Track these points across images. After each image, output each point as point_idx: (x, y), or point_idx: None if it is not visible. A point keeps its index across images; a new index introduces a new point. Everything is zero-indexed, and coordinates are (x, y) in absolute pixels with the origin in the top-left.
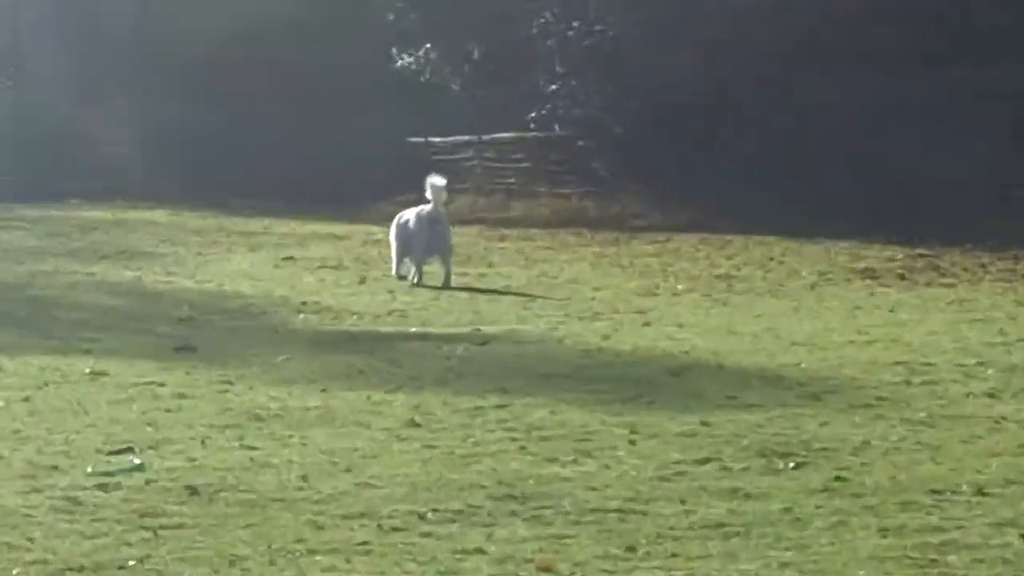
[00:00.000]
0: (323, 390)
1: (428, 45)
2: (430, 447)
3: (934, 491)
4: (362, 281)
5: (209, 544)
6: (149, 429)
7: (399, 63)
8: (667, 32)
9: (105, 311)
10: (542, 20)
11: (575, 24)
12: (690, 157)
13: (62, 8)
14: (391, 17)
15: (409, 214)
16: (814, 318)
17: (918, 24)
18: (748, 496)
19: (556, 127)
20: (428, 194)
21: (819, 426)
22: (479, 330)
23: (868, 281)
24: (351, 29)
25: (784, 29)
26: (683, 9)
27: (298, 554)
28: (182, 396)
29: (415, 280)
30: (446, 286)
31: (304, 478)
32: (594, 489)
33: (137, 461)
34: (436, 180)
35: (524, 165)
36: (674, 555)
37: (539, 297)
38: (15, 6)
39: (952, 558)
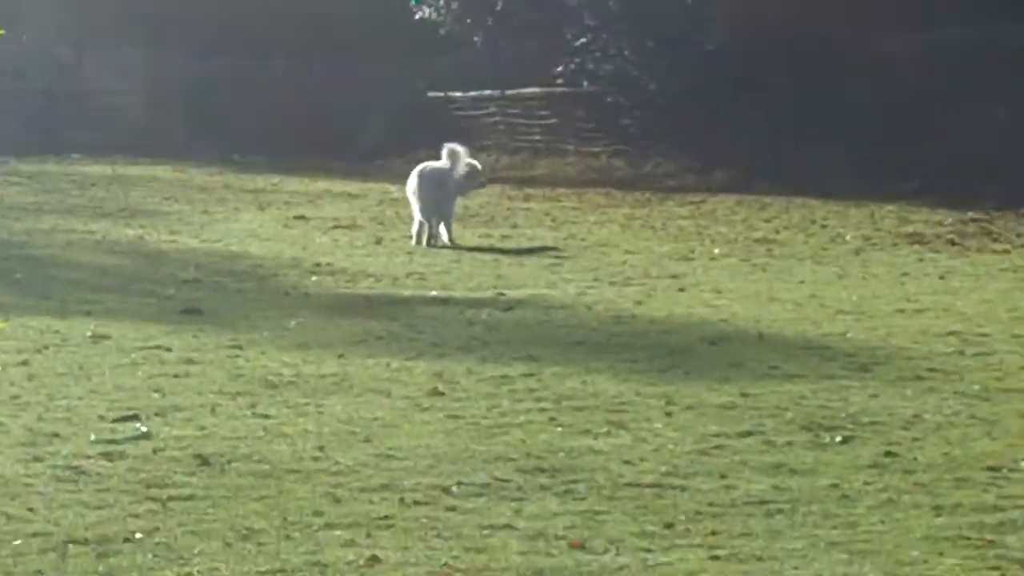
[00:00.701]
0: (339, 356)
1: None
2: (454, 417)
3: (990, 468)
4: (378, 242)
5: (220, 517)
6: (155, 395)
7: (419, 15)
8: None
9: (106, 271)
10: None
11: None
12: (726, 115)
13: None
14: None
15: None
16: (860, 285)
17: None
18: (793, 471)
19: (584, 83)
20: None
21: (867, 399)
22: (503, 295)
23: (916, 247)
24: None
25: None
26: None
27: (315, 528)
28: (190, 361)
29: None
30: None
31: (321, 448)
32: (629, 463)
33: (143, 429)
34: (455, 148)
35: (550, 122)
36: (714, 533)
37: (567, 260)
38: None
39: (1010, 538)
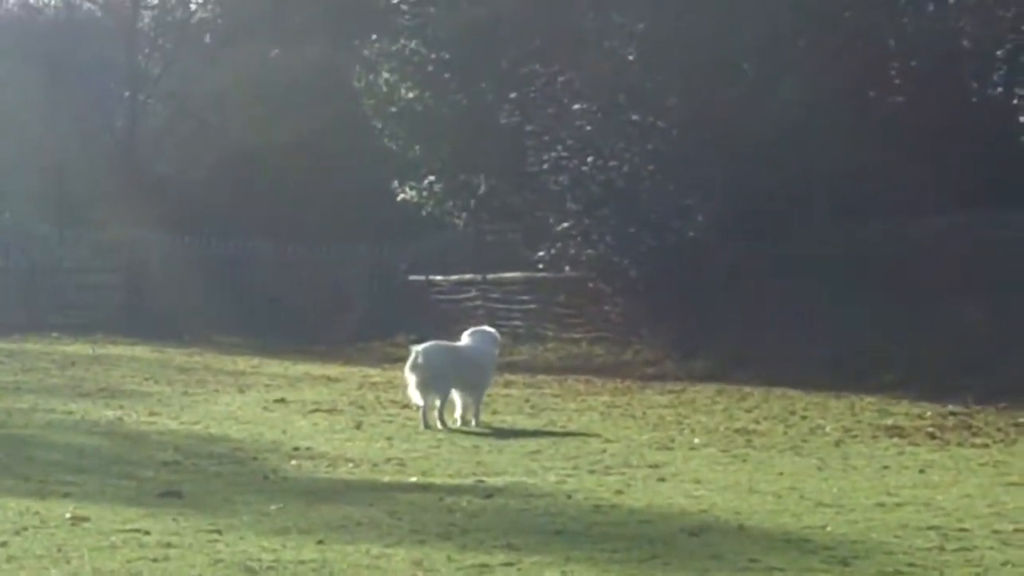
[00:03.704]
0: (319, 542)
1: (432, 178)
2: None
3: None
4: (358, 426)
5: None
6: None
7: (401, 196)
8: (685, 168)
9: (85, 453)
10: (554, 154)
11: (589, 159)
12: (708, 303)
13: (44, 130)
14: (393, 147)
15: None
16: (840, 477)
17: (954, 166)
18: None
19: (566, 268)
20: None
21: None
22: (483, 482)
23: (896, 439)
24: (350, 161)
25: (810, 168)
26: (703, 142)
27: None
28: (169, 545)
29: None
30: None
31: None
32: None
33: None
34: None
35: (531, 307)
36: None
37: (546, 448)
38: None
39: None
